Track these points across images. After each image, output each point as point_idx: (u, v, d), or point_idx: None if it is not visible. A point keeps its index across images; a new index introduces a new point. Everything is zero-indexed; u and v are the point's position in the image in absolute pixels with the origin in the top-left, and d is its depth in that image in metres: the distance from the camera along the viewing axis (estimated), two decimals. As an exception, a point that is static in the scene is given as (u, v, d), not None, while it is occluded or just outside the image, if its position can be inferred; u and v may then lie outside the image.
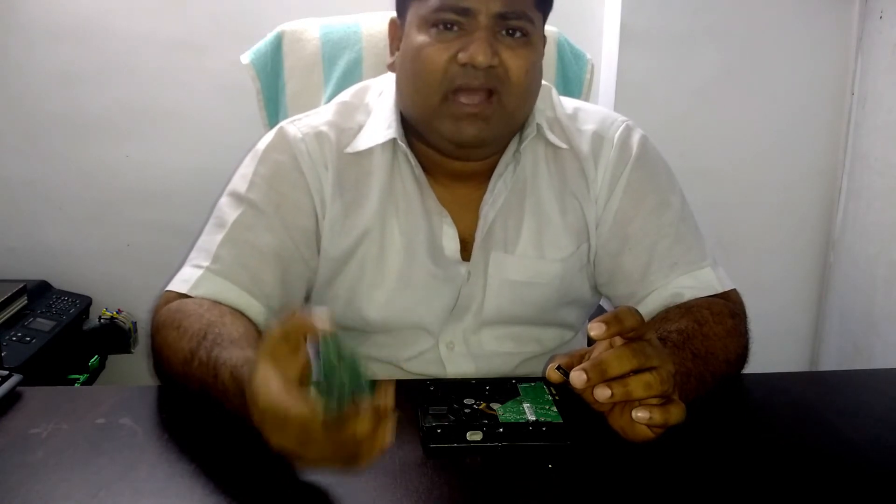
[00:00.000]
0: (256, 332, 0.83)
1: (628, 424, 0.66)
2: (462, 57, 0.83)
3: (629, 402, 0.66)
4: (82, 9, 1.83)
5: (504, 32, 0.85)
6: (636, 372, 0.65)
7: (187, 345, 0.76)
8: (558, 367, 0.70)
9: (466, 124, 0.85)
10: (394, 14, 0.94)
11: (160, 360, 0.82)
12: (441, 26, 0.85)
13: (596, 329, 0.64)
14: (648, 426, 0.66)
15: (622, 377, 0.64)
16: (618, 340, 0.67)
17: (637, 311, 0.66)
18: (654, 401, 0.65)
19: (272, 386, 0.57)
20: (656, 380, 0.64)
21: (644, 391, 0.64)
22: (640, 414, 0.64)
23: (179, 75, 1.88)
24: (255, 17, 1.76)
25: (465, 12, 0.84)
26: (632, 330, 0.66)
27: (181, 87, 1.89)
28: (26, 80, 1.87)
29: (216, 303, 0.86)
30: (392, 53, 0.94)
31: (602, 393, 0.63)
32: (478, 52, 0.82)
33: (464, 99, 0.85)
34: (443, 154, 0.92)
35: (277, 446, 0.59)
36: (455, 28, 0.85)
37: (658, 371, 0.64)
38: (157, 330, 0.84)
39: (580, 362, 0.71)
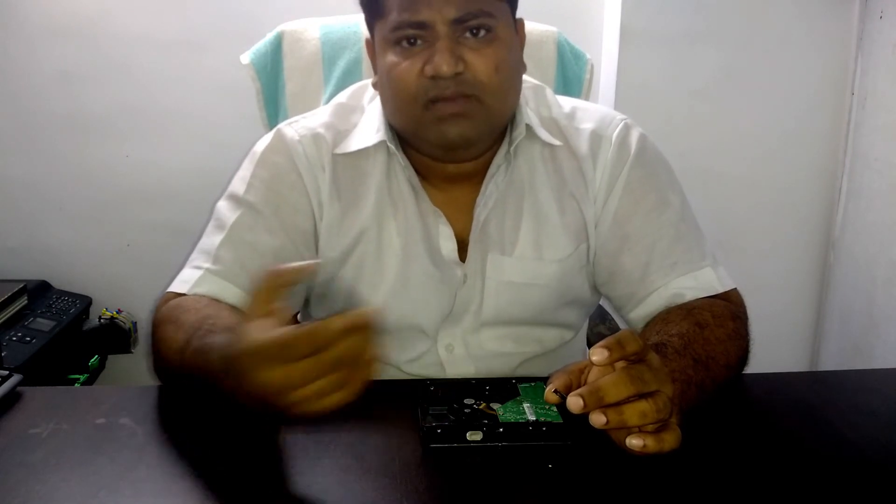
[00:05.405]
0: None
1: (624, 438, 0.66)
2: (427, 70, 0.84)
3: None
4: (82, 9, 1.83)
5: (468, 34, 0.85)
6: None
7: (183, 336, 0.76)
8: (555, 391, 0.70)
9: (450, 125, 0.86)
10: None
11: (158, 356, 0.81)
12: (404, 43, 0.86)
13: (598, 355, 0.64)
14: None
15: (619, 403, 0.64)
16: (618, 362, 0.67)
17: (639, 335, 0.66)
18: (650, 427, 0.65)
19: (252, 330, 0.59)
20: (652, 408, 0.64)
21: (639, 420, 0.64)
22: (634, 441, 0.64)
23: (179, 75, 1.88)
24: (255, 17, 1.77)
25: (422, 25, 0.84)
26: (634, 354, 0.66)
27: (181, 87, 1.89)
28: (26, 80, 1.87)
29: (215, 300, 0.86)
30: (375, 72, 0.94)
31: (597, 419, 0.63)
32: (441, 63, 0.83)
33: (444, 102, 0.85)
34: (434, 159, 0.93)
35: (264, 383, 0.57)
36: (418, 42, 0.85)
37: (655, 398, 0.64)
38: (155, 327, 0.84)
39: (579, 378, 0.71)
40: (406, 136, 0.92)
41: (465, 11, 0.84)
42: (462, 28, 0.84)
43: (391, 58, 0.87)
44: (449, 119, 0.85)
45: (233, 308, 0.86)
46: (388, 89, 0.89)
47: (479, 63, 0.85)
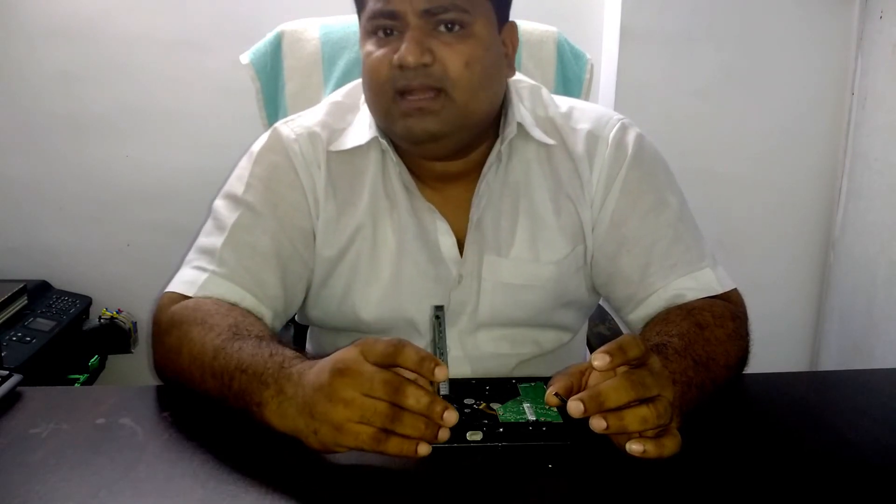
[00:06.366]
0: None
1: (624, 443, 0.66)
2: (394, 59, 0.84)
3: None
4: (82, 9, 1.83)
5: (442, 27, 0.85)
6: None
7: (217, 337, 0.77)
8: (556, 394, 0.70)
9: (415, 120, 0.85)
10: None
11: (176, 354, 0.80)
12: (380, 33, 0.86)
13: (600, 360, 0.64)
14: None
15: (619, 408, 0.64)
16: (620, 367, 0.67)
17: (640, 339, 0.66)
18: (651, 432, 0.65)
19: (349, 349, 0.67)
20: (652, 414, 0.64)
21: (639, 425, 0.64)
22: (634, 447, 0.64)
23: (179, 75, 1.88)
24: (255, 17, 1.77)
25: (394, 15, 0.84)
26: (635, 359, 0.66)
27: (181, 87, 1.89)
28: (26, 80, 1.87)
29: (232, 305, 0.86)
30: None
31: (598, 424, 0.63)
32: (406, 53, 0.83)
33: (410, 96, 0.85)
34: (415, 156, 0.93)
35: (329, 387, 0.65)
36: (394, 32, 0.86)
37: (656, 404, 0.64)
38: (173, 326, 0.83)
39: (579, 381, 0.71)
40: (381, 126, 0.92)
41: (435, 3, 0.83)
42: (435, 21, 0.84)
43: (368, 47, 0.87)
44: (414, 114, 0.85)
45: (250, 314, 0.86)
46: (364, 79, 0.89)
47: (449, 57, 0.84)
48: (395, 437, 0.64)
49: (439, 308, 0.71)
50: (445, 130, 0.87)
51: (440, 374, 0.64)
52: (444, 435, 0.64)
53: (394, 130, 0.89)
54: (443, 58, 0.84)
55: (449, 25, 0.85)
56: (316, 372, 0.67)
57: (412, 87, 0.84)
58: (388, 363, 0.65)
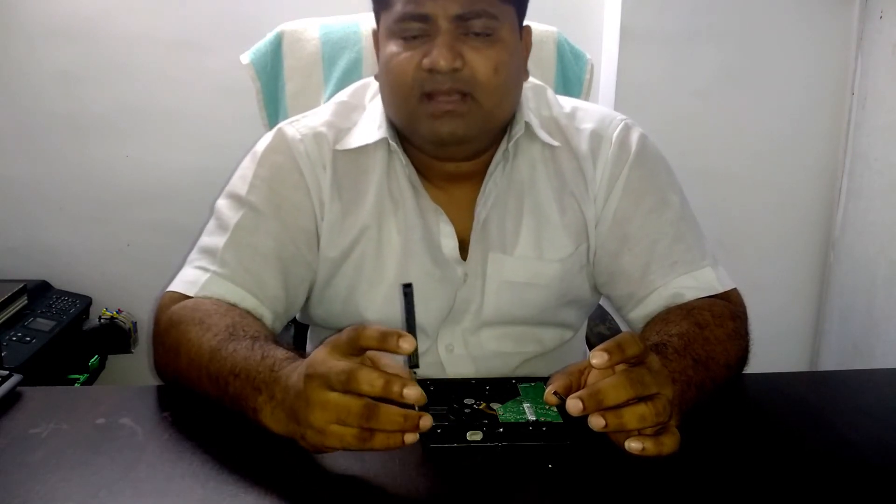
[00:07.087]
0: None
1: (623, 441, 0.66)
2: (425, 63, 0.84)
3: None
4: (82, 9, 1.83)
5: (470, 32, 0.85)
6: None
7: (214, 338, 0.77)
8: (555, 393, 0.70)
9: (442, 122, 0.86)
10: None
11: (175, 355, 0.81)
12: (406, 35, 0.86)
13: (598, 358, 0.64)
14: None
15: (618, 406, 0.64)
16: (618, 365, 0.67)
17: (639, 337, 0.66)
18: (650, 430, 0.65)
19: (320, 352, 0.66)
20: (651, 412, 0.64)
21: (638, 423, 0.64)
22: (633, 445, 0.64)
23: (179, 75, 1.88)
24: (255, 17, 1.77)
25: (425, 19, 0.84)
26: (634, 357, 0.66)
27: (181, 87, 1.89)
28: (26, 80, 1.87)
29: (231, 305, 0.86)
30: (378, 62, 0.94)
31: (596, 422, 0.64)
32: (438, 57, 0.83)
33: (437, 98, 0.85)
34: (430, 156, 0.93)
35: (304, 392, 0.64)
36: (420, 35, 0.85)
37: (654, 402, 0.64)
38: (171, 325, 0.83)
39: (578, 380, 0.71)
40: (401, 127, 0.92)
41: (468, 9, 0.84)
42: (464, 26, 0.85)
43: (392, 48, 0.87)
44: (442, 116, 0.85)
45: (249, 314, 0.86)
46: (386, 79, 0.89)
47: (479, 62, 0.85)
48: (379, 434, 0.63)
49: (408, 286, 0.70)
50: (470, 134, 0.88)
51: (405, 345, 0.63)
52: (426, 423, 0.63)
53: (418, 131, 0.89)
54: (472, 62, 0.84)
55: (477, 30, 0.85)
56: (296, 377, 0.67)
57: (441, 90, 0.84)
58: (356, 350, 0.65)
